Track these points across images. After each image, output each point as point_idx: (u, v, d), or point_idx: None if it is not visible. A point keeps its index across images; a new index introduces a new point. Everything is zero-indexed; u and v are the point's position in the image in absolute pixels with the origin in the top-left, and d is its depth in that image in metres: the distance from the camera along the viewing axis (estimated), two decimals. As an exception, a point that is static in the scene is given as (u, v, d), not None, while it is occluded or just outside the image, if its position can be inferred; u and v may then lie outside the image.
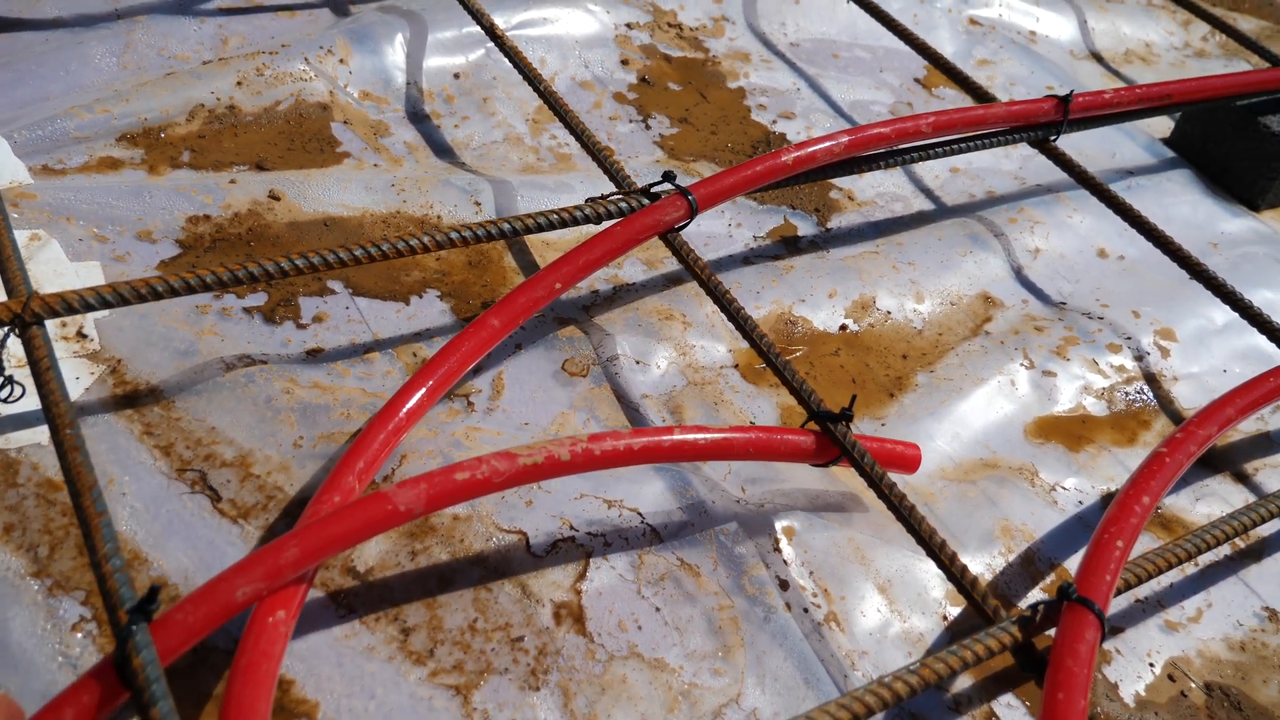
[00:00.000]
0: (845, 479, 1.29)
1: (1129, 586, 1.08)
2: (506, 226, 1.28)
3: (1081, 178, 1.67)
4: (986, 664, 1.14)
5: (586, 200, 1.36)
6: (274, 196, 1.47)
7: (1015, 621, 1.00)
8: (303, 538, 0.87)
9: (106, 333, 1.23)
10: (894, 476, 1.16)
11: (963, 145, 1.63)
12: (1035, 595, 1.24)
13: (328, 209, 1.48)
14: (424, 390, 1.11)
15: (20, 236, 1.30)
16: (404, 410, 1.08)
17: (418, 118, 1.72)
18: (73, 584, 0.99)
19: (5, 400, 1.07)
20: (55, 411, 0.96)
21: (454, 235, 1.25)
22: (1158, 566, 1.11)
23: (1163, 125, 2.16)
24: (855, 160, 1.55)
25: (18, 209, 1.33)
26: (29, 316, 1.03)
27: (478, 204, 1.55)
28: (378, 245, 1.20)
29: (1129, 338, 1.60)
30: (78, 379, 1.18)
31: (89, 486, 0.90)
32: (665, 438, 1.05)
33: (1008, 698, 1.12)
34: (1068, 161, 1.69)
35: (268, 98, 1.63)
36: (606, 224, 1.35)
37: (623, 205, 1.36)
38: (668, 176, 1.37)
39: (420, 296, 1.39)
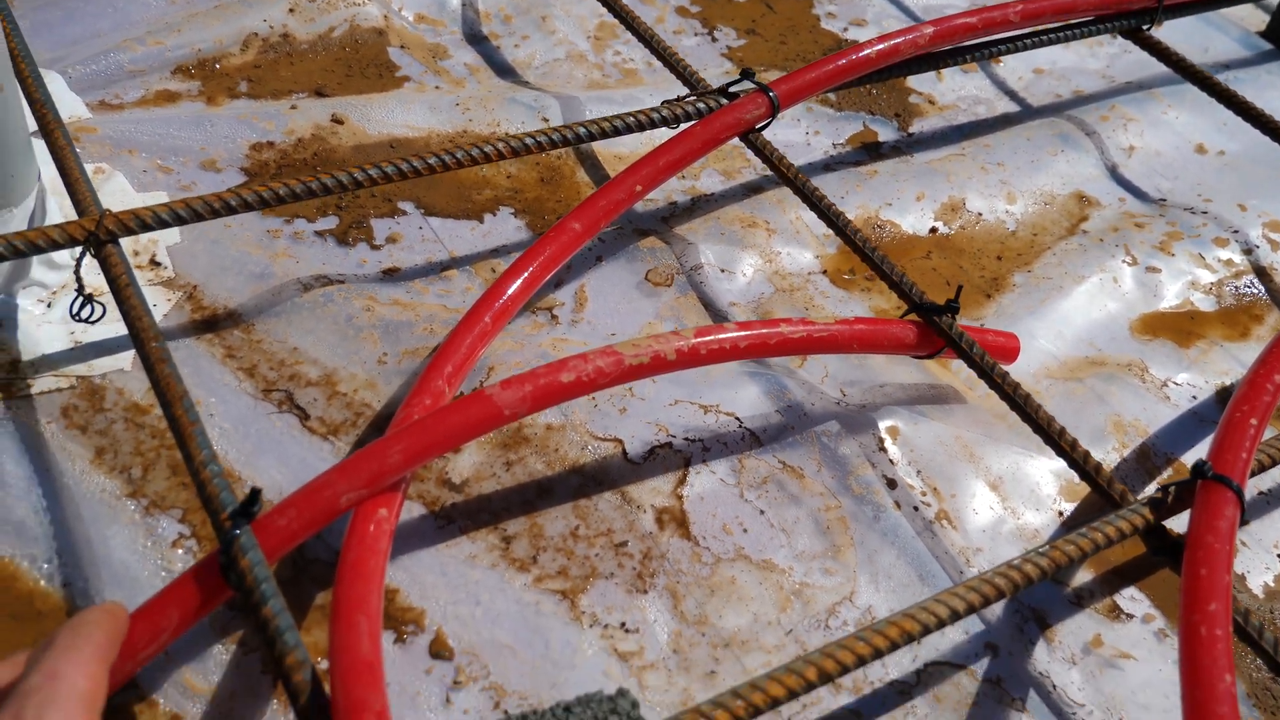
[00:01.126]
0: (942, 375, 1.24)
1: (1263, 468, 1.02)
2: (582, 130, 1.23)
3: (1179, 66, 1.58)
4: (1105, 557, 1.09)
5: (663, 102, 1.30)
6: (337, 120, 1.43)
7: (1146, 503, 0.95)
8: (407, 438, 0.83)
9: (180, 260, 1.20)
10: (1002, 370, 1.10)
11: (1052, 36, 1.55)
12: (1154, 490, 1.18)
13: (393, 130, 1.44)
14: (508, 294, 1.06)
15: (86, 169, 1.27)
16: (489, 314, 1.04)
17: (476, 39, 1.67)
18: (168, 503, 0.96)
19: (87, 320, 1.04)
20: (139, 325, 0.93)
21: (529, 141, 1.20)
22: (1294, 447, 1.04)
23: (1257, 19, 2.05)
24: (938, 55, 1.48)
25: (80, 143, 1.31)
26: (103, 234, 1.00)
27: (545, 119, 1.50)
28: (451, 153, 1.15)
29: (1236, 231, 1.52)
30: (155, 306, 1.15)
31: (179, 397, 0.87)
32: (771, 330, 0.99)
33: (1130, 590, 1.07)
34: (1164, 51, 1.60)
35: (321, 24, 1.59)
36: (684, 127, 1.29)
37: (700, 106, 1.30)
38: (746, 74, 1.31)
39: (494, 214, 1.35)
